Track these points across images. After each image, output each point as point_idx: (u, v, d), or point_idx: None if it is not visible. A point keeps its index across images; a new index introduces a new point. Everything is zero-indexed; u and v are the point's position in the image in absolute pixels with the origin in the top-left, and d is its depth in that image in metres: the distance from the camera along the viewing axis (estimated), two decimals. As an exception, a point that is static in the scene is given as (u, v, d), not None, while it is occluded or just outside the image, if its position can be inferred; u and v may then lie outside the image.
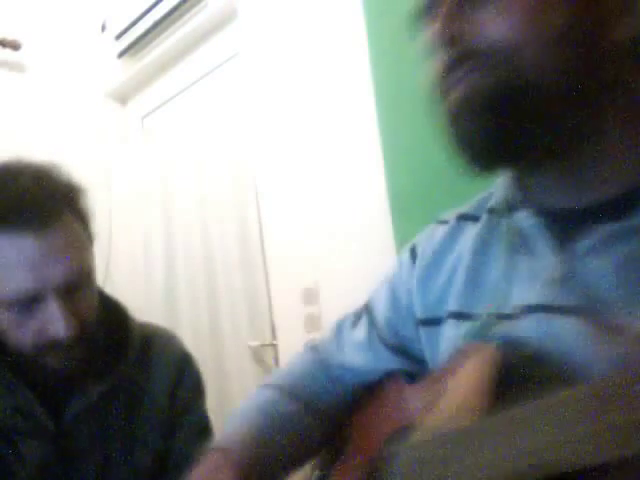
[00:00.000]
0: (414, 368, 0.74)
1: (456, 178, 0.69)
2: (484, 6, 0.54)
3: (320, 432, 0.77)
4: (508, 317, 0.59)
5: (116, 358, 0.99)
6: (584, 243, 0.55)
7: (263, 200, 2.10)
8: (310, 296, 1.90)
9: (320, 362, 0.82)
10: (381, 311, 0.78)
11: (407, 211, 1.59)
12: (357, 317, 0.82)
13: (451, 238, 0.71)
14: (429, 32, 0.58)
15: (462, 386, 0.55)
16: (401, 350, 0.76)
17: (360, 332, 0.80)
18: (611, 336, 0.49)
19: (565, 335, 0.53)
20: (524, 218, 0.61)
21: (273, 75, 2.03)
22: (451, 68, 0.56)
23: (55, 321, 0.86)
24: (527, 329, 0.57)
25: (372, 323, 0.79)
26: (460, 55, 0.55)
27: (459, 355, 0.60)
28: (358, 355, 0.79)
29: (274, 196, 2.04)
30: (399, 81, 1.59)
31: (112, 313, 1.03)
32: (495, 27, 0.53)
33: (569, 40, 0.53)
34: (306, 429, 0.76)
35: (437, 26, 0.56)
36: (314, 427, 0.76)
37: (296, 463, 0.75)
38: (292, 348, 1.91)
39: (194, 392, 1.08)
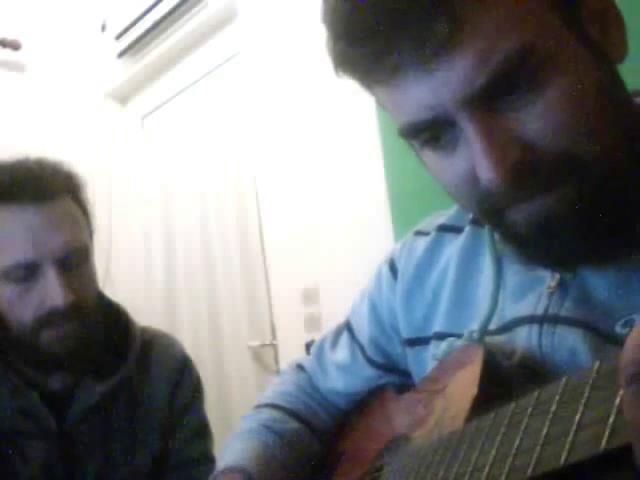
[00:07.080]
0: (403, 381, 0.71)
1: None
2: (520, 113, 0.46)
3: (319, 450, 0.77)
4: (498, 331, 0.56)
5: (117, 360, 1.00)
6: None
7: (263, 200, 2.10)
8: (310, 296, 1.90)
9: (309, 383, 0.81)
10: (364, 330, 0.75)
11: (407, 211, 1.59)
12: (337, 336, 0.80)
13: (433, 251, 0.67)
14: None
15: (454, 392, 0.54)
16: (389, 368, 0.73)
17: (342, 353, 0.77)
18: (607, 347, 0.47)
19: (558, 346, 0.51)
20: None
21: (273, 75, 2.03)
22: (515, 188, 0.47)
23: (52, 290, 0.88)
24: (515, 341, 0.54)
25: (355, 342, 0.76)
26: (524, 177, 0.46)
27: (446, 362, 0.58)
28: (344, 378, 0.76)
29: (274, 196, 2.04)
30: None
31: (113, 316, 1.04)
32: (548, 131, 0.46)
33: (612, 99, 0.48)
34: (307, 447, 0.76)
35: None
36: (315, 445, 0.77)
37: (296, 478, 0.75)
38: (292, 348, 1.92)
39: (193, 394, 1.09)
